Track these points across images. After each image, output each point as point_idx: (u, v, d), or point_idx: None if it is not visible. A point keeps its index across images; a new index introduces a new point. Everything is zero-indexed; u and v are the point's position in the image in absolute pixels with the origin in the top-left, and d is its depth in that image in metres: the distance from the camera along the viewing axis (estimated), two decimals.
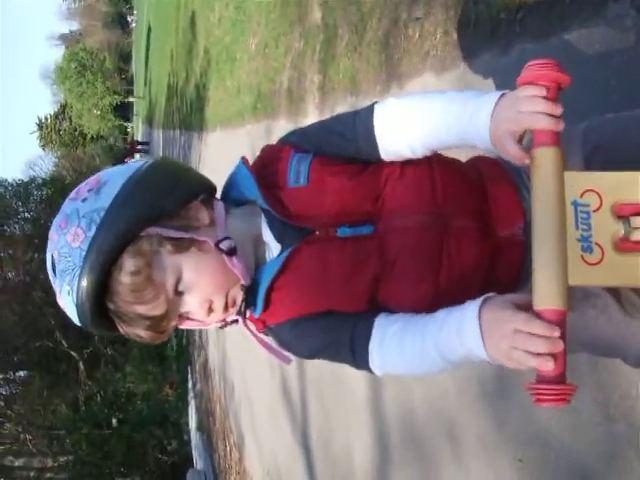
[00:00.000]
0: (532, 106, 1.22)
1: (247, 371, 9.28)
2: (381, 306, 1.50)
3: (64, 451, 22.72)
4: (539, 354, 1.16)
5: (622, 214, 1.19)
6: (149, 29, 49.25)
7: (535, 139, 1.23)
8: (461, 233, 1.50)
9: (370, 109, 1.51)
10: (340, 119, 1.59)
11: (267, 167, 1.56)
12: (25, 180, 45.06)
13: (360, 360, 1.49)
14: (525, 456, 3.08)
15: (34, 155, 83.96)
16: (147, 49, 51.36)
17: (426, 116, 1.44)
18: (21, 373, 29.16)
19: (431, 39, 4.18)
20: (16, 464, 24.62)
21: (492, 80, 3.54)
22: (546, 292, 1.18)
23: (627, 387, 2.53)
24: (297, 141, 1.60)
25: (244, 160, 1.60)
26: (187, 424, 17.52)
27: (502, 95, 1.31)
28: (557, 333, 1.15)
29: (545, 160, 1.21)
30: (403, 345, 1.42)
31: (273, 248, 1.55)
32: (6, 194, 40.28)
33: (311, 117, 6.60)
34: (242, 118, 10.06)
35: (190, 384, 17.57)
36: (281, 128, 7.56)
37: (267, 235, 1.55)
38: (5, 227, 34.90)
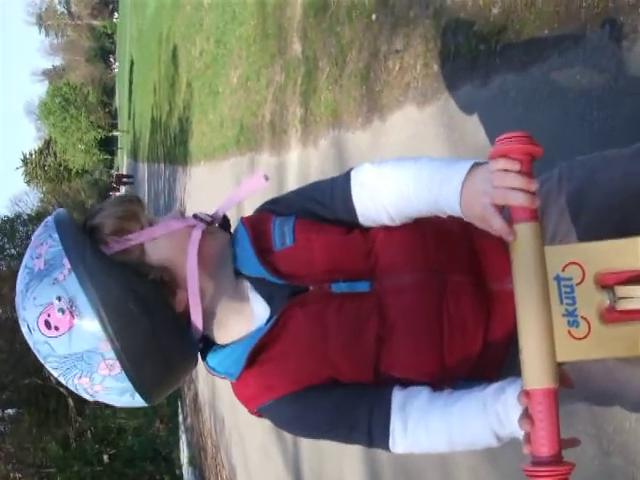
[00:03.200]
0: (506, 182, 1.18)
1: (237, 404, 8.97)
2: (386, 376, 1.44)
3: None
4: None
5: (606, 284, 1.18)
6: (132, 63, 49.39)
7: (512, 215, 1.20)
8: (458, 289, 1.47)
9: (347, 178, 1.50)
10: (318, 187, 1.57)
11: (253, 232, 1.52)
12: (11, 216, 45.04)
13: (379, 443, 1.42)
14: None
15: (19, 191, 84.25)
16: (130, 83, 51.44)
17: (399, 185, 1.41)
18: (10, 411, 28.90)
19: (411, 71, 4.19)
20: None
21: (473, 111, 3.55)
22: (535, 372, 1.16)
23: (620, 421, 2.51)
24: (275, 208, 1.58)
25: (243, 220, 1.56)
26: (179, 459, 17.39)
27: (474, 165, 1.28)
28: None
29: (524, 237, 1.18)
30: (429, 427, 1.37)
31: (262, 314, 1.49)
32: None
33: (294, 150, 6.61)
34: (226, 151, 10.07)
35: (181, 418, 17.46)
36: (264, 161, 7.57)
37: (255, 301, 1.51)
38: None
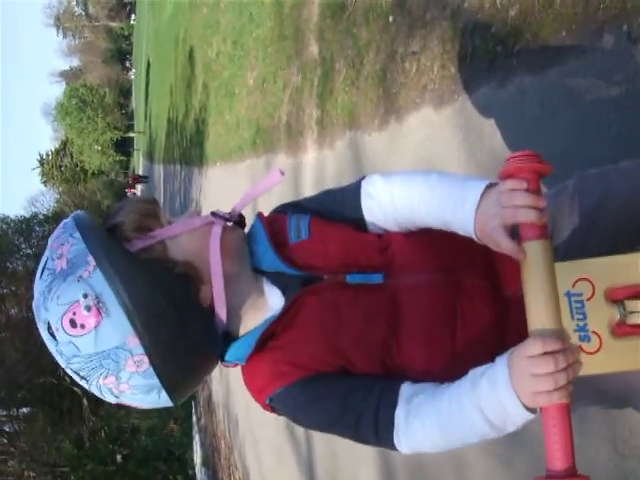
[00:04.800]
0: (513, 200, 1.20)
1: (251, 406, 9.00)
2: (395, 371, 1.45)
3: None
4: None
5: (616, 298, 1.20)
6: (148, 64, 49.52)
7: (522, 233, 1.22)
8: (473, 292, 1.49)
9: (357, 187, 1.54)
10: (329, 194, 1.61)
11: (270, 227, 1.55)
12: (27, 216, 45.34)
13: (384, 437, 1.39)
14: None
15: (36, 191, 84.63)
16: (147, 84, 51.60)
17: (410, 201, 1.45)
18: (24, 410, 29.01)
19: (428, 73, 4.18)
20: None
21: (490, 113, 3.54)
22: None
23: (635, 423, 2.50)
24: (289, 209, 1.61)
25: (260, 216, 1.58)
26: (192, 459, 17.38)
27: (488, 187, 1.30)
28: None
29: (534, 254, 1.20)
30: (423, 417, 1.35)
31: (277, 305, 1.50)
32: (8, 230, 40.45)
33: (310, 152, 6.61)
34: (242, 153, 10.07)
35: (194, 419, 17.45)
36: (281, 163, 7.56)
37: (271, 293, 1.52)
38: (7, 263, 34.94)
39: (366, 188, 1.52)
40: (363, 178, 1.55)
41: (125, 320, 1.29)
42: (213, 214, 1.54)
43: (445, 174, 1.43)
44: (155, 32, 41.42)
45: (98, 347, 1.30)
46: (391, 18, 4.74)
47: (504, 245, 1.23)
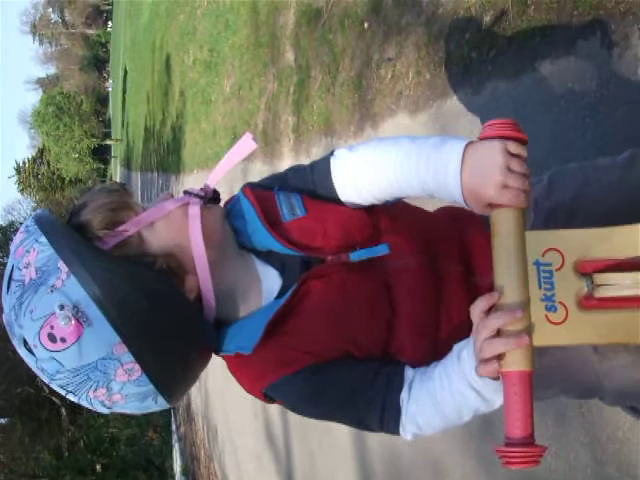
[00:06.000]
0: (522, 167, 1.19)
1: (230, 414, 9.14)
2: (391, 354, 1.41)
3: None
4: None
5: (585, 271, 1.19)
6: (125, 72, 49.40)
7: None
8: (451, 277, 1.47)
9: (326, 167, 1.45)
10: (298, 173, 1.52)
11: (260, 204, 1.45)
12: (3, 225, 45.08)
13: (389, 421, 1.36)
14: None
15: (12, 200, 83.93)
16: (124, 92, 51.45)
17: (385, 173, 1.37)
18: (2, 420, 28.82)
19: (403, 79, 4.18)
20: None
21: (465, 119, 3.55)
22: (511, 354, 1.16)
23: (613, 429, 2.50)
24: (270, 183, 1.51)
25: (245, 191, 1.47)
26: (172, 468, 17.35)
27: (467, 146, 1.23)
28: None
29: (507, 220, 1.19)
30: (418, 396, 1.34)
31: (273, 286, 1.43)
32: None
33: (286, 159, 6.60)
34: (219, 160, 9.99)
35: (174, 427, 17.42)
36: (257, 170, 7.55)
37: (265, 274, 1.45)
38: None
39: (335, 165, 1.44)
40: (332, 154, 1.46)
41: (108, 328, 1.19)
42: (186, 192, 1.44)
43: (417, 138, 1.36)
44: (132, 40, 41.29)
45: (83, 360, 1.21)
46: (366, 25, 4.74)
47: (488, 212, 1.22)
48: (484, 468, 3.30)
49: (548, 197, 1.61)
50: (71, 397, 1.28)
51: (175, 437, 17.06)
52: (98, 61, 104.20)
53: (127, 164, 44.52)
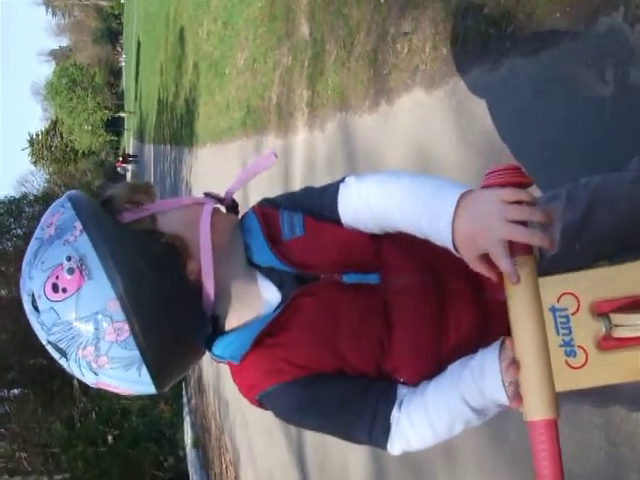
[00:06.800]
0: (521, 214, 1.16)
1: None
2: (387, 373, 1.45)
3: (60, 469, 22.67)
4: None
5: (601, 312, 1.20)
6: (138, 44, 49.31)
7: (510, 248, 1.19)
8: (457, 296, 1.49)
9: (334, 193, 1.51)
10: (308, 194, 1.58)
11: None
12: (17, 197, 45.27)
13: (378, 436, 1.41)
14: None
15: (26, 172, 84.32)
16: (137, 64, 51.43)
17: (386, 209, 1.41)
18: (15, 391, 29.10)
19: (420, 54, 4.14)
20: None
21: (482, 95, 3.51)
22: (535, 403, 1.18)
23: (627, 411, 2.48)
24: (278, 201, 1.59)
25: (255, 209, 1.55)
26: (183, 440, 17.44)
27: (462, 195, 1.24)
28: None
29: (520, 270, 1.18)
30: (411, 413, 1.39)
31: (273, 301, 1.48)
32: None
33: (300, 133, 6.58)
34: (232, 133, 10.03)
35: (185, 400, 17.51)
36: (271, 144, 7.53)
37: (266, 288, 1.50)
38: None
39: (343, 195, 1.50)
40: (342, 180, 1.52)
41: (107, 282, 1.27)
42: (207, 195, 1.54)
43: (417, 178, 1.40)
44: (145, 11, 41.24)
45: (78, 313, 1.28)
46: None
47: (503, 263, 1.17)
48: (496, 451, 3.29)
49: (564, 214, 1.62)
50: (63, 362, 1.35)
51: (186, 409, 17.15)
52: (111, 33, 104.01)
53: (140, 136, 44.61)
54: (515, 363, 1.20)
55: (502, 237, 1.16)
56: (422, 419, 1.37)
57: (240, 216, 1.60)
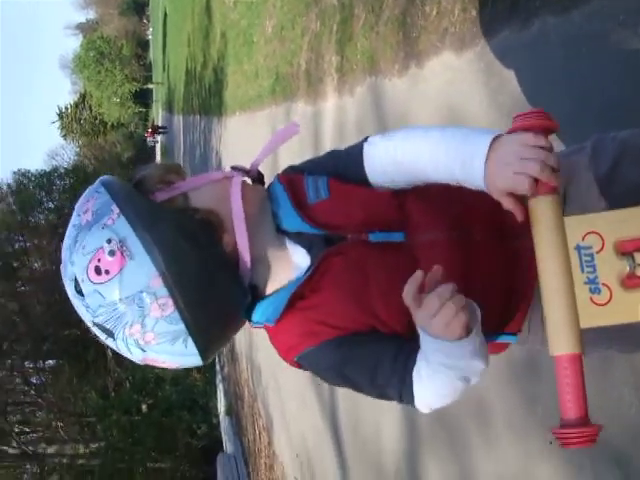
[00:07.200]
0: (532, 153, 1.22)
1: (274, 354, 9.07)
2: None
3: (95, 438, 23.04)
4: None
5: (625, 251, 1.22)
6: (165, 15, 49.22)
7: (535, 187, 1.24)
8: (483, 246, 1.52)
9: (360, 150, 1.55)
10: (333, 155, 1.64)
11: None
12: (48, 170, 45.53)
13: (407, 391, 1.43)
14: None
15: (56, 145, 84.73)
16: (164, 35, 51.38)
17: (414, 160, 1.46)
18: (51, 362, 29.51)
19: (449, 16, 4.12)
20: (48, 451, 24.92)
21: (512, 56, 3.49)
22: (560, 338, 1.21)
23: None
24: (303, 167, 1.63)
25: (279, 177, 1.60)
26: (216, 408, 17.63)
27: (494, 139, 1.30)
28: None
29: (545, 209, 1.23)
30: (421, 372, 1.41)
31: (302, 263, 1.52)
32: (29, 185, 40.71)
33: (330, 99, 6.57)
34: (261, 101, 10.03)
35: (218, 368, 17.65)
36: (300, 110, 7.53)
37: (295, 252, 1.54)
38: (30, 217, 35.24)
39: (368, 151, 1.54)
40: (365, 140, 1.56)
41: (148, 261, 1.30)
42: (234, 168, 1.58)
43: (446, 128, 1.45)
44: None
45: (123, 292, 1.32)
46: None
47: (505, 202, 1.26)
48: (527, 410, 3.32)
49: (589, 166, 1.61)
50: (110, 342, 1.40)
51: (219, 377, 17.30)
52: (137, 5, 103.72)
53: (169, 107, 44.59)
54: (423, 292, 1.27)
55: (515, 170, 1.22)
56: (427, 381, 1.40)
57: (266, 186, 1.64)
